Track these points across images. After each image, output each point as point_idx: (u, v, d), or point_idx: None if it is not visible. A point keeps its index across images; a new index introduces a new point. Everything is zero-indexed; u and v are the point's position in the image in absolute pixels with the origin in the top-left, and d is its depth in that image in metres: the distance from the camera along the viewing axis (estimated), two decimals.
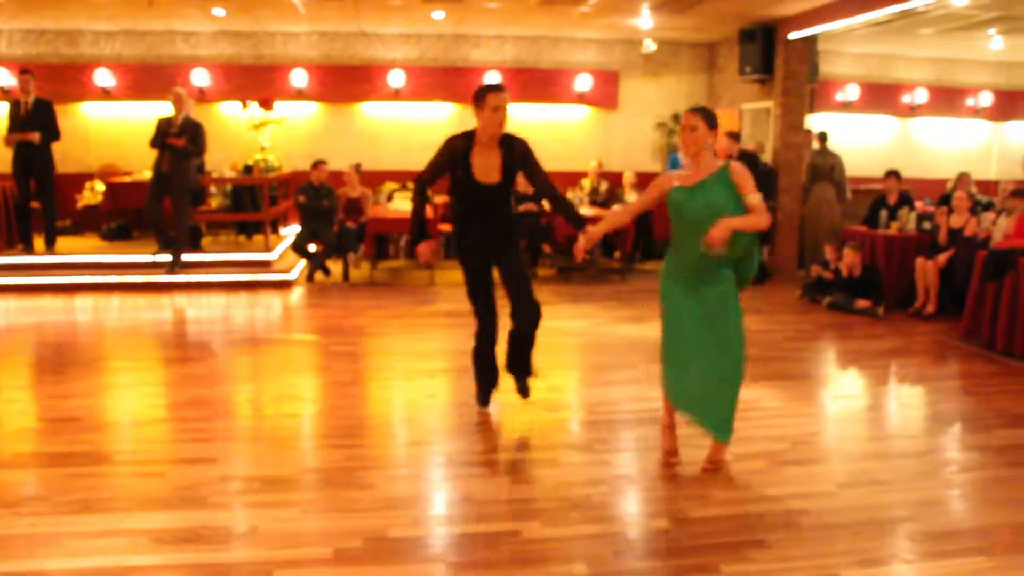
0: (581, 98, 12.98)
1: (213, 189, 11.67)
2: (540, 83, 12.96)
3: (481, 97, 4.94)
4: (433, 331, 7.99)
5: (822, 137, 11.51)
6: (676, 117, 13.21)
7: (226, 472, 4.55)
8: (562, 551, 3.71)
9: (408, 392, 6.18)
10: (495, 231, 5.19)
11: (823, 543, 3.83)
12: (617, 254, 11.43)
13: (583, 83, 12.91)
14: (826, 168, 11.39)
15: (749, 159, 10.41)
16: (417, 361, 6.87)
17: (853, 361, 7.42)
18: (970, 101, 14.79)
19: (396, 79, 12.63)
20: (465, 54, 12.89)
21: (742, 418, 5.48)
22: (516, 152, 5.06)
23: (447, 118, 12.88)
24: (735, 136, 10.65)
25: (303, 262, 10.77)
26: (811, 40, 11.33)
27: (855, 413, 6.03)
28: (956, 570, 3.66)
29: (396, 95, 12.71)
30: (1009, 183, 10.95)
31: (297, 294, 9.77)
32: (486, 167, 5.03)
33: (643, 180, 12.08)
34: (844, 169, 11.45)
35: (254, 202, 11.18)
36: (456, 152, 5.06)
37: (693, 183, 4.42)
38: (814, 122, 13.13)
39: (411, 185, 12.16)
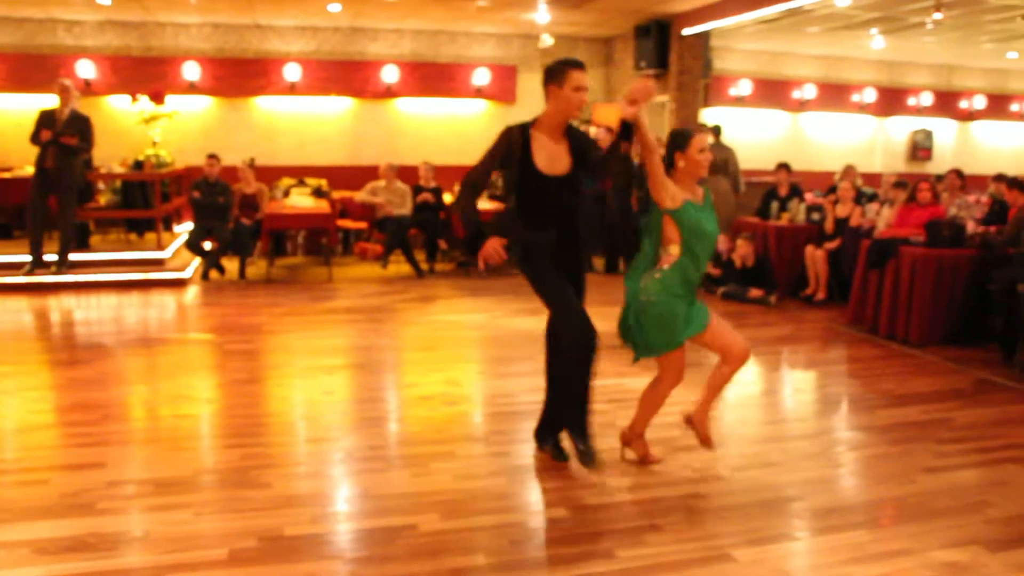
0: (479, 92, 13.01)
1: (102, 185, 11.27)
2: (438, 77, 12.94)
3: (560, 73, 4.27)
4: (331, 328, 7.90)
5: (716, 131, 11.78)
6: None
7: (116, 477, 4.41)
8: (460, 543, 3.72)
9: (306, 389, 6.09)
10: (566, 231, 4.50)
11: (716, 524, 3.94)
12: None
13: (481, 77, 12.95)
14: (720, 161, 11.64)
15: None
16: (315, 358, 6.79)
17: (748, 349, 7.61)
18: (855, 97, 15.36)
19: (292, 73, 12.44)
20: (362, 48, 12.76)
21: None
22: (582, 140, 4.49)
23: (344, 112, 12.73)
24: (611, 131, 10.82)
25: (198, 260, 10.51)
26: (704, 36, 11.60)
27: (749, 399, 6.20)
28: (841, 544, 3.81)
29: (292, 89, 12.52)
30: (891, 175, 11.41)
31: (192, 293, 9.53)
32: (551, 157, 4.39)
33: None
34: (738, 162, 11.73)
35: (145, 199, 10.85)
36: (514, 142, 4.42)
37: (700, 202, 4.38)
38: (708, 116, 13.44)
39: (309, 181, 12.04)
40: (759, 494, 4.31)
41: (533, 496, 4.32)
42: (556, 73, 4.29)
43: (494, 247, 4.35)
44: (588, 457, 4.40)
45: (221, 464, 4.64)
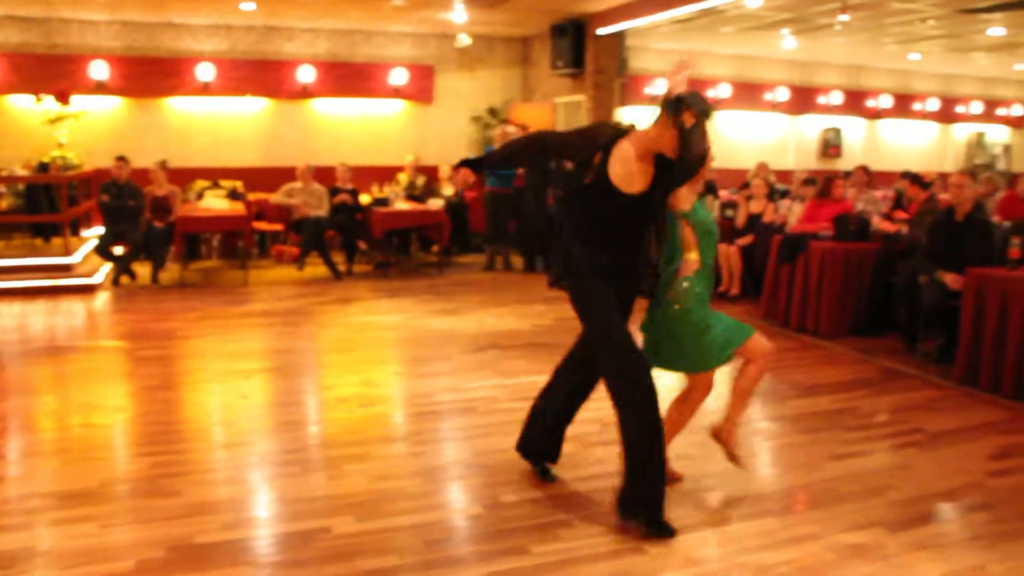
0: (396, 92, 12.94)
1: (3, 189, 10.90)
2: (355, 77, 12.83)
3: (685, 108, 3.71)
4: (247, 331, 7.78)
5: (631, 130, 11.90)
6: (492, 111, 13.37)
7: (19, 491, 4.26)
8: (374, 544, 3.70)
9: (220, 394, 5.99)
10: (630, 259, 4.09)
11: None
12: (435, 248, 11.46)
13: (398, 77, 12.88)
14: None
15: None
16: (230, 362, 6.67)
17: None
18: (768, 96, 15.67)
19: (205, 72, 12.20)
20: (278, 47, 12.58)
21: None
22: (667, 170, 3.92)
23: (259, 113, 12.54)
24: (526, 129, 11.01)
25: (108, 265, 10.24)
26: (620, 36, 11.72)
27: (664, 394, 6.27)
28: (750, 532, 3.91)
29: (205, 89, 12.28)
30: (802, 172, 11.70)
31: (102, 299, 9.28)
32: (628, 172, 3.92)
33: None
34: None
35: (51, 202, 10.53)
36: (599, 140, 4.00)
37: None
38: (625, 115, 13.58)
39: (224, 183, 11.83)
40: (674, 485, 4.37)
41: (448, 495, 4.31)
42: (681, 107, 3.72)
43: (465, 173, 4.23)
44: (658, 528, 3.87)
45: (130, 473, 4.54)
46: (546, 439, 4.46)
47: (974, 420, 5.66)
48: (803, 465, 4.83)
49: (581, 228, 4.04)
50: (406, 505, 4.11)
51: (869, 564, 3.63)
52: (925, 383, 6.48)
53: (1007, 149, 18.82)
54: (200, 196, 11.54)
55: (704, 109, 3.73)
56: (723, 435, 4.40)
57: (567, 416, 4.49)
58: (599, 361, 4.09)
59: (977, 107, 18.18)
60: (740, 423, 4.45)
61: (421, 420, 5.46)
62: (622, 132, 4.01)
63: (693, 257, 4.11)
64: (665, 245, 4.13)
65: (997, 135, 18.78)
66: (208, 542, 3.71)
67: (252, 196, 11.56)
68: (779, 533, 3.90)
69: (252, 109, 12.56)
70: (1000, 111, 18.52)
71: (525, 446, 4.51)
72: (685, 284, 4.09)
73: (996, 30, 11.65)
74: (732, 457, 4.40)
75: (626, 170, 3.91)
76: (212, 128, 12.47)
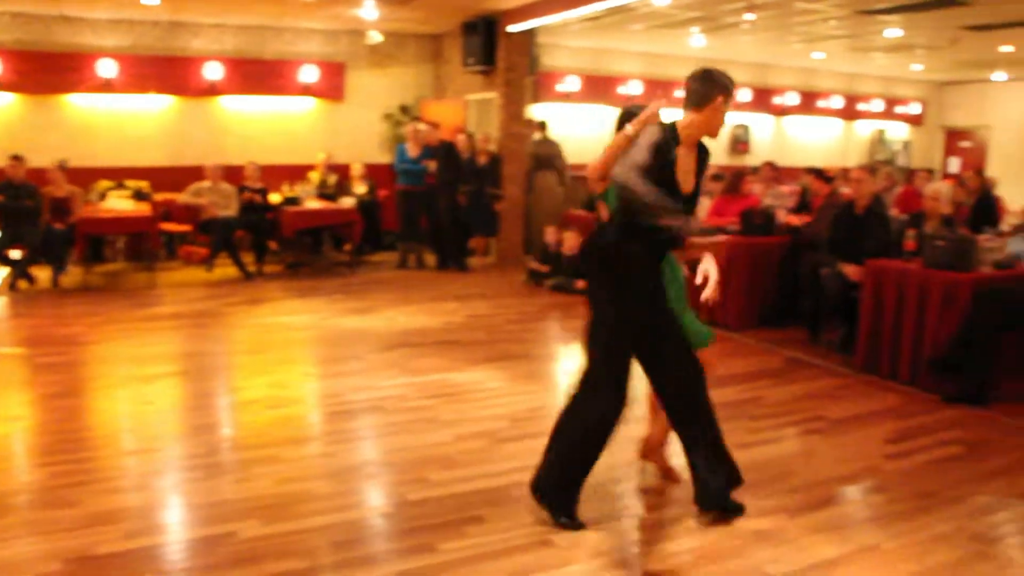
0: (307, 90, 12.73)
1: None
2: (264, 74, 12.56)
3: (729, 89, 3.80)
4: (154, 335, 7.56)
5: (542, 126, 11.99)
6: (404, 108, 13.28)
7: None
8: (281, 548, 3.64)
9: (125, 400, 5.80)
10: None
11: (536, 511, 3.99)
12: (347, 247, 11.34)
13: (308, 74, 12.67)
14: (546, 156, 11.89)
15: (445, 148, 10.86)
16: (136, 367, 6.48)
17: (573, 339, 7.77)
18: (678, 93, 15.87)
19: (107, 69, 11.81)
20: (183, 43, 12.24)
21: (463, 400, 5.67)
22: (705, 156, 3.91)
23: (165, 111, 12.21)
24: (437, 126, 11.21)
25: (4, 269, 9.86)
26: (531, 33, 11.74)
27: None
28: (657, 522, 3.99)
29: (107, 86, 11.89)
30: (712, 167, 11.89)
31: None
32: (685, 170, 3.82)
33: (372, 171, 12.07)
34: (565, 157, 11.99)
35: None
36: (665, 144, 3.76)
37: None
38: (537, 112, 13.65)
39: (129, 183, 11.50)
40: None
41: (357, 495, 4.27)
42: (724, 87, 3.76)
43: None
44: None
45: (28, 485, 4.36)
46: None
47: (873, 406, 5.85)
48: None
49: (646, 238, 3.80)
50: (314, 507, 4.06)
51: (771, 548, 3.72)
52: (828, 372, 6.66)
53: (907, 145, 19.46)
54: (103, 197, 11.19)
55: (729, 85, 3.78)
56: (651, 453, 4.46)
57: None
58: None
59: (878, 105, 18.76)
60: (667, 440, 4.43)
61: (330, 421, 5.40)
62: (673, 127, 3.83)
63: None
64: None
65: (897, 132, 19.41)
66: (109, 552, 3.60)
67: (159, 196, 11.26)
68: (684, 522, 3.97)
69: (157, 107, 12.21)
70: (899, 109, 19.14)
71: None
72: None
73: (893, 31, 12.03)
74: (667, 473, 4.45)
75: (685, 167, 3.82)
76: (115, 127, 12.08)
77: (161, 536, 3.79)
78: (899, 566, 3.61)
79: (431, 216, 11.03)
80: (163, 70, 12.05)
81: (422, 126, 11.13)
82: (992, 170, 16.10)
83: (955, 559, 3.69)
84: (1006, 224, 8.90)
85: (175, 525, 3.93)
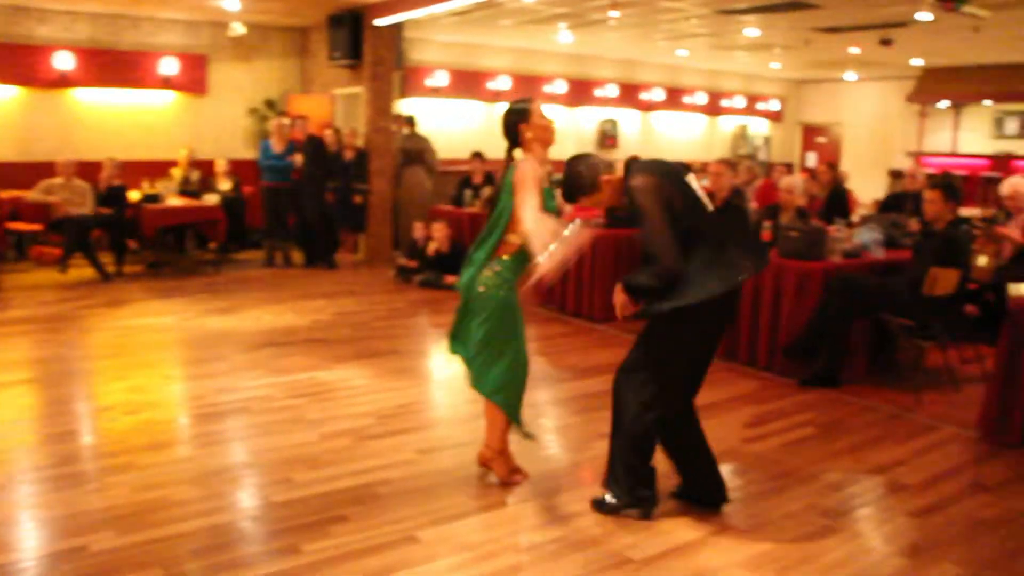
0: (167, 83, 12.28)
1: None
2: (120, 66, 12.02)
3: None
4: (5, 340, 7.14)
5: (410, 121, 11.93)
6: (269, 103, 12.99)
7: None
8: (135, 559, 3.50)
9: None
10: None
11: (400, 508, 3.99)
12: (212, 245, 11.02)
13: (168, 67, 12.22)
14: (415, 151, 11.85)
15: (313, 143, 10.78)
16: None
17: (442, 334, 7.74)
18: (547, 88, 16.06)
19: None
20: (28, 30, 11.56)
21: (329, 399, 5.61)
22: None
23: (9, 102, 11.53)
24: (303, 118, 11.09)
25: None
26: (398, 27, 11.67)
27: (441, 383, 6.37)
28: (521, 513, 4.01)
29: None
30: None
31: None
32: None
33: (237, 167, 11.76)
34: (434, 151, 11.97)
35: None
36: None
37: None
38: (406, 107, 13.57)
39: None
40: (445, 475, 4.42)
41: (218, 500, 4.14)
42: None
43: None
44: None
45: None
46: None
47: (733, 392, 6.07)
48: (574, 445, 5.03)
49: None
50: (174, 513, 3.93)
51: (632, 535, 3.80)
52: None
53: (767, 141, 20.23)
54: None
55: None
56: (489, 462, 4.40)
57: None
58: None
59: (740, 101, 19.43)
60: (504, 448, 4.39)
61: (193, 424, 5.25)
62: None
63: (514, 240, 4.05)
64: (498, 225, 4.08)
65: (758, 128, 20.14)
66: None
67: (5, 194, 10.68)
68: (550, 512, 4.02)
69: (1, 98, 11.54)
70: (760, 106, 19.88)
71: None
72: (496, 268, 4.09)
73: (752, 31, 12.47)
74: (515, 471, 4.40)
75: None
76: None
77: (8, 554, 3.58)
78: (754, 545, 3.75)
79: (298, 213, 10.84)
80: (6, 58, 11.35)
81: (287, 121, 10.91)
82: (845, 164, 16.89)
83: (805, 535, 3.86)
84: (856, 216, 9.33)
85: (18, 542, 3.70)
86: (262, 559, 3.54)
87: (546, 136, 4.18)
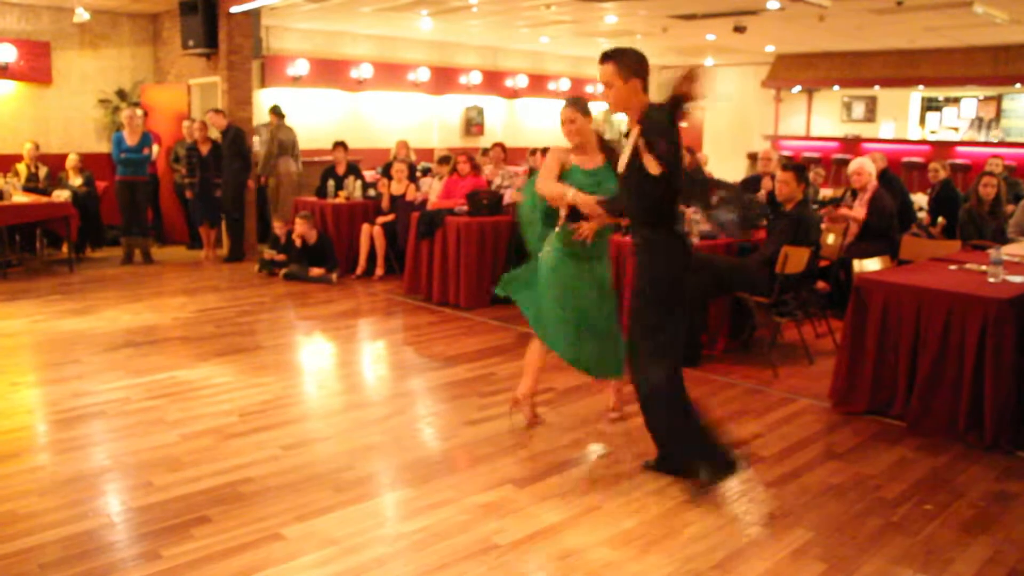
0: (5, 71, 11.62)
1: None
2: None
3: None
4: None
5: (277, 112, 11.71)
6: (121, 93, 12.49)
7: None
8: None
9: None
10: None
11: (264, 506, 3.94)
12: (64, 244, 10.53)
13: (7, 54, 11.53)
14: (288, 142, 11.66)
15: (232, 133, 10.61)
16: None
17: (308, 327, 7.69)
18: (411, 76, 15.96)
19: None
20: None
21: (191, 398, 5.48)
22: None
23: None
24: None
25: None
26: (255, 14, 11.39)
27: (308, 376, 6.29)
28: (387, 505, 4.04)
29: None
30: (443, 150, 12.10)
31: None
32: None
33: (89, 161, 11.29)
34: (297, 143, 11.81)
35: None
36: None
37: (593, 167, 4.73)
38: (267, 97, 13.29)
39: None
40: (310, 469, 4.39)
41: (73, 509, 3.98)
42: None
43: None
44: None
45: None
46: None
47: None
48: (440, 433, 5.05)
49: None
50: (24, 526, 3.76)
51: (498, 520, 3.86)
52: None
53: None
54: None
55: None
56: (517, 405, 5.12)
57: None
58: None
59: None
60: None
61: (45, 432, 5.03)
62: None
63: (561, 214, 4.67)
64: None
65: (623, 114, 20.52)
66: None
67: None
68: (415, 502, 4.04)
69: None
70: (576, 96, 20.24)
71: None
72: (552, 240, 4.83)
73: (611, 18, 12.70)
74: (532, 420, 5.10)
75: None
76: None
77: None
78: (619, 523, 3.85)
79: (155, 207, 10.50)
80: None
81: (140, 111, 10.51)
82: (706, 148, 17.43)
83: (667, 511, 3.99)
84: (715, 199, 9.62)
85: None
86: (122, 567, 3.43)
87: (568, 138, 4.78)
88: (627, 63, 3.99)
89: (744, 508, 4.08)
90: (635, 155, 3.98)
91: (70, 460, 4.56)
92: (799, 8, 10.68)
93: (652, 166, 3.88)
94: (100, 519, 3.88)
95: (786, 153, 15.01)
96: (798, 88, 18.02)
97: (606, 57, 4.00)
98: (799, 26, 12.88)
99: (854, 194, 7.96)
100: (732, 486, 4.28)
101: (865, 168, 7.77)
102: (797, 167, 6.54)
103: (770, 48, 16.59)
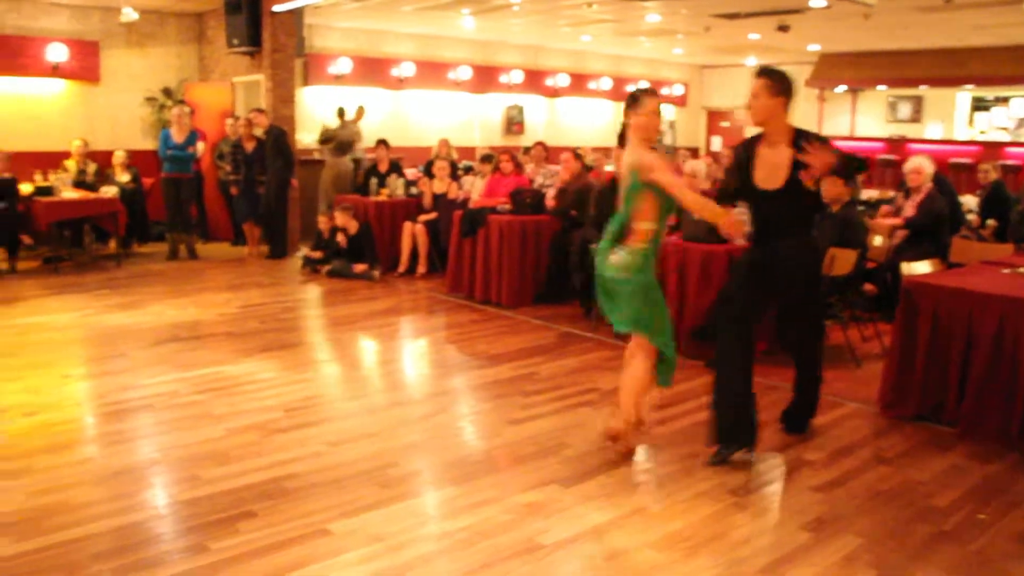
0: (56, 70, 11.81)
1: None
2: (4, 52, 11.49)
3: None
4: None
5: (341, 114, 11.86)
6: (167, 91, 12.64)
7: None
8: (34, 566, 3.40)
9: None
10: None
11: (310, 502, 3.96)
12: (112, 239, 10.68)
13: (57, 53, 11.72)
14: (346, 141, 11.76)
15: (275, 133, 10.63)
16: None
17: (351, 324, 7.71)
18: (452, 75, 15.99)
19: None
20: None
21: (236, 393, 5.52)
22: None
23: None
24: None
25: None
26: (298, 13, 11.47)
27: (351, 373, 6.32)
28: (431, 502, 4.02)
29: None
30: (484, 148, 12.09)
31: None
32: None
33: (136, 158, 11.43)
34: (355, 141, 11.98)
35: None
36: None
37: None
38: (309, 95, 13.39)
39: None
40: (354, 466, 4.40)
41: (122, 501, 4.03)
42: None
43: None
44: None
45: None
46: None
47: None
48: (483, 432, 5.05)
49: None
50: (75, 517, 3.82)
51: (543, 520, 3.84)
52: (600, 344, 6.94)
53: (672, 125, 20.52)
54: None
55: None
56: (617, 435, 4.63)
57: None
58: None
59: (645, 87, 19.64)
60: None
61: (94, 424, 5.11)
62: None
63: (646, 227, 4.33)
64: (623, 212, 4.42)
65: (664, 113, 20.40)
66: None
67: None
68: (459, 501, 4.04)
69: None
70: (664, 91, 20.14)
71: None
72: (636, 249, 4.34)
73: (653, 16, 12.62)
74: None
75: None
76: None
77: None
78: (665, 525, 3.82)
79: (200, 204, 10.61)
80: None
81: (187, 109, 10.63)
82: None
83: (714, 513, 3.95)
84: None
85: None
86: (170, 559, 3.47)
87: (648, 134, 4.41)
88: (777, 81, 4.39)
89: (792, 512, 4.02)
90: (795, 171, 4.38)
91: (119, 452, 4.62)
92: (844, 7, 10.55)
93: (808, 182, 4.38)
94: (148, 511, 3.93)
95: None
96: (842, 88, 17.79)
97: (762, 73, 4.40)
98: (844, 25, 12.73)
99: (907, 193, 7.83)
100: (778, 490, 4.23)
101: (924, 168, 7.64)
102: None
103: (813, 47, 16.41)
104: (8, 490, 4.10)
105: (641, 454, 4.69)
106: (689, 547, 3.63)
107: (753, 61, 18.45)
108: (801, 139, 4.38)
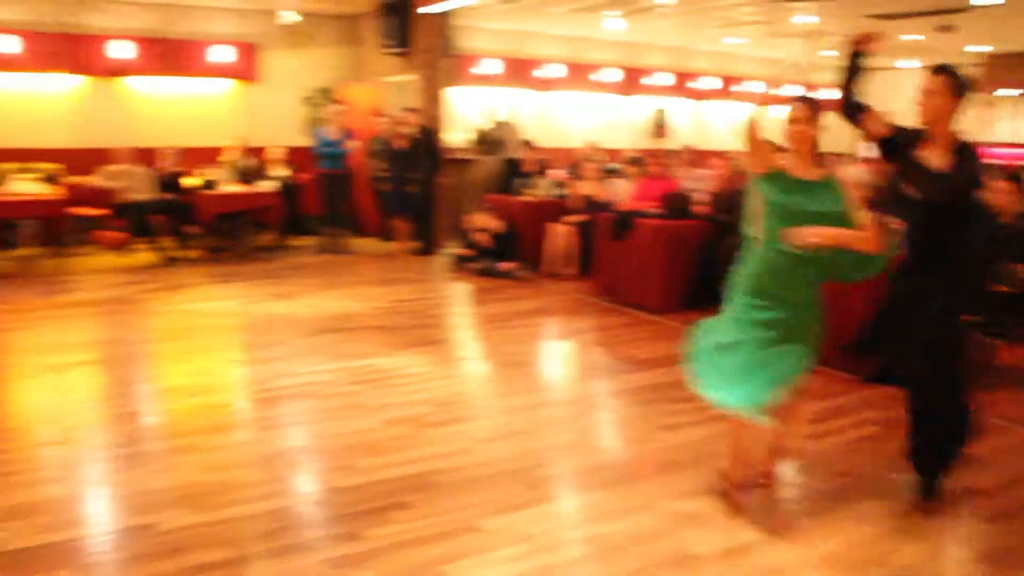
0: (220, 71, 12.40)
1: None
2: (174, 54, 12.12)
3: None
4: (67, 323, 7.30)
5: (490, 113, 12.08)
6: (323, 91, 13.08)
7: None
8: (205, 538, 3.59)
9: (37, 390, 5.60)
10: None
11: (461, 497, 4.02)
12: (268, 232, 11.13)
13: (221, 54, 12.33)
14: (499, 141, 11.93)
15: (425, 132, 10.90)
16: (49, 356, 6.22)
17: (498, 323, 7.79)
18: (597, 76, 15.98)
19: (6, 44, 11.29)
20: (85, 20, 11.72)
21: (388, 385, 5.66)
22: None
23: (71, 91, 11.75)
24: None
25: None
26: (446, 15, 11.68)
27: (498, 371, 6.38)
28: (582, 505, 4.04)
29: (5, 64, 11.38)
30: (631, 151, 12.04)
31: None
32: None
33: (291, 154, 11.87)
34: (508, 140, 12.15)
35: None
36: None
37: (807, 178, 4.05)
38: (457, 95, 13.57)
39: (40, 166, 11.06)
40: (502, 464, 4.44)
41: (281, 483, 4.23)
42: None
43: None
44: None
45: None
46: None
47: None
48: (634, 437, 5.01)
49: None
50: (239, 495, 4.01)
51: (696, 530, 3.78)
52: None
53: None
54: (4, 180, 10.70)
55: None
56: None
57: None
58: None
59: (794, 90, 19.15)
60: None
61: (255, 408, 5.34)
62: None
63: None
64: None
65: (809, 121, 19.78)
66: (24, 547, 3.50)
67: (70, 180, 10.87)
68: (608, 504, 4.02)
69: (63, 87, 11.75)
70: (810, 95, 19.56)
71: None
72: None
73: (805, 18, 12.30)
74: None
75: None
76: (17, 107, 11.58)
77: (80, 529, 3.71)
78: (819, 544, 3.69)
79: (351, 200, 10.93)
80: (66, 47, 11.52)
81: (342, 108, 10.97)
82: None
83: (874, 535, 3.79)
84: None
85: (94, 517, 3.85)
86: (324, 544, 3.60)
87: (789, 143, 4.09)
88: (957, 82, 4.05)
89: (961, 541, 3.84)
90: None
91: (277, 436, 4.83)
92: (1015, 3, 9.99)
93: None
94: (306, 496, 4.10)
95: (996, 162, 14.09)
96: (1010, 91, 16.86)
97: (941, 70, 4.05)
98: (1011, 26, 12.08)
99: None
100: (942, 516, 4.04)
101: None
102: (1013, 175, 6.10)
103: (969, 48, 15.61)
104: (182, 465, 4.34)
105: (795, 471, 4.56)
106: (845, 568, 3.51)
107: (904, 64, 17.72)
108: (964, 150, 4.02)
